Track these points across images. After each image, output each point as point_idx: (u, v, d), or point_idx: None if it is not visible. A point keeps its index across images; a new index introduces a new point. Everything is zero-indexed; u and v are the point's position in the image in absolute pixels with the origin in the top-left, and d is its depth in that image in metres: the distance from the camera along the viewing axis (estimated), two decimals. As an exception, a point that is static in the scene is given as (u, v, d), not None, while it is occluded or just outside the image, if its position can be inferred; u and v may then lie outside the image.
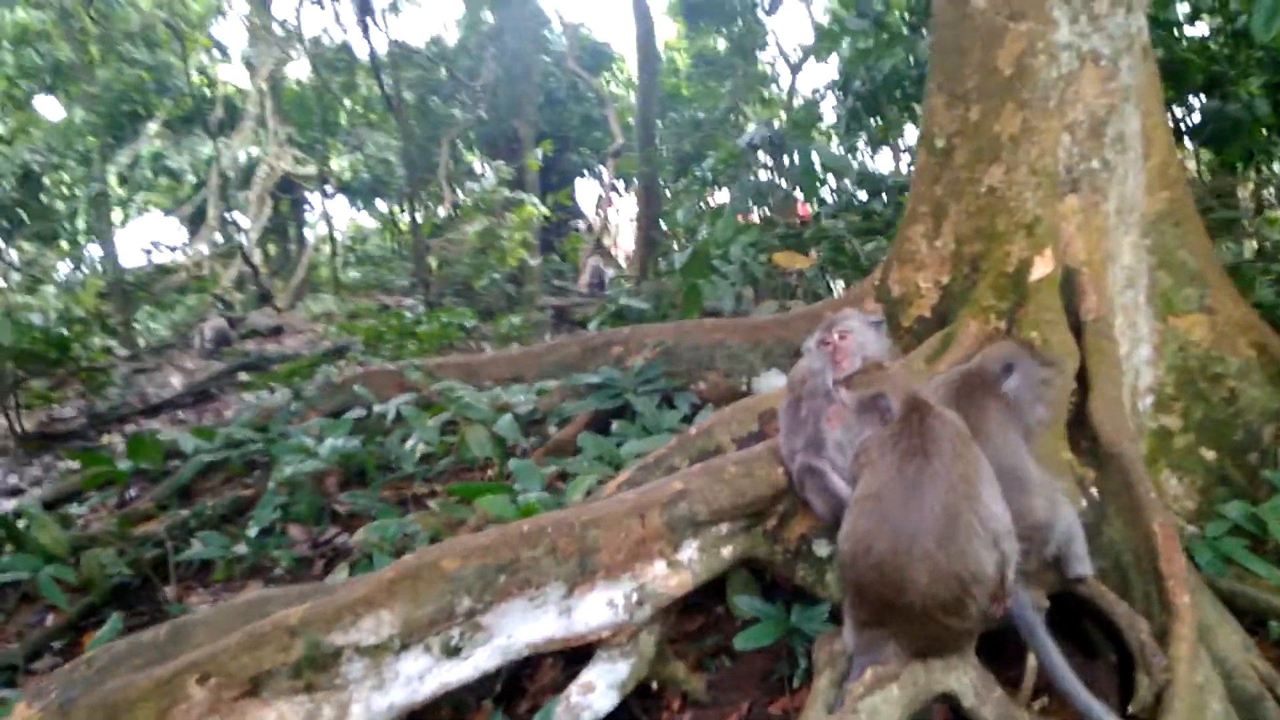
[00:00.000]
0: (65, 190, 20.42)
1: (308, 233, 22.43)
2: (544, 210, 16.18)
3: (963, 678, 2.50)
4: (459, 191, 16.87)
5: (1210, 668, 2.90)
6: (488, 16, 19.48)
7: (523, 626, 2.99)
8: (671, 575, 3.18)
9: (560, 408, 4.67)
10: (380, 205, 22.96)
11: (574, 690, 3.15)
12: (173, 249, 21.74)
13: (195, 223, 21.68)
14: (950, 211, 4.26)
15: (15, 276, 18.01)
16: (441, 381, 4.68)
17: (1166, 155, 4.40)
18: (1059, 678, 2.60)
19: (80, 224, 21.66)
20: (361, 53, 19.27)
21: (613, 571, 3.08)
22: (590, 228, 18.16)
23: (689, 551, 3.21)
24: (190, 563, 4.66)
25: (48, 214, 20.05)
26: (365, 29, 13.86)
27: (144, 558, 4.57)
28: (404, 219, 17.91)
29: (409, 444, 4.42)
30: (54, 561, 4.18)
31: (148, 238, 24.41)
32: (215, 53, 20.24)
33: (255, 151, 20.68)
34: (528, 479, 3.78)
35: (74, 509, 5.79)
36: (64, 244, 22.63)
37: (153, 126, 19.43)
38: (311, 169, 20.61)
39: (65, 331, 12.36)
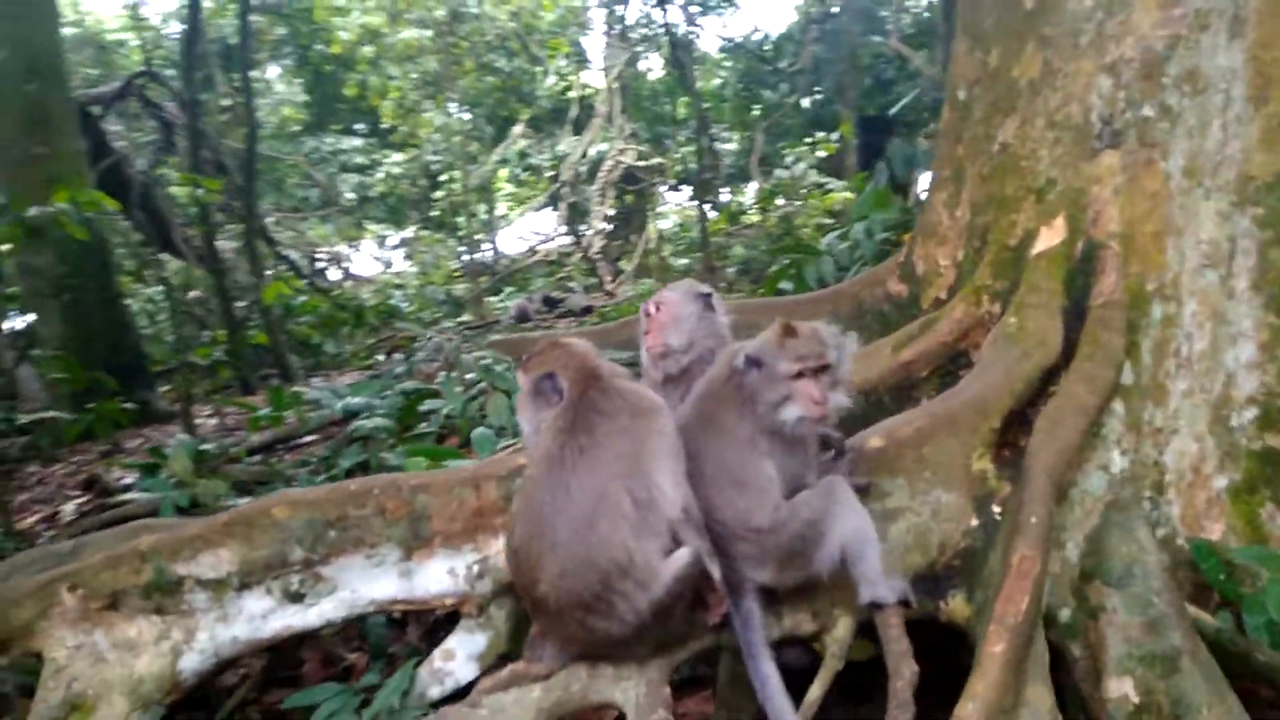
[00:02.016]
0: (456, 187, 23.57)
1: (650, 222, 23.75)
2: (848, 195, 15.70)
3: (629, 690, 2.21)
4: (769, 177, 16.93)
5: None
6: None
7: (365, 584, 3.11)
8: (517, 551, 3.13)
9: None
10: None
11: (437, 655, 3.21)
12: (544, 237, 24.34)
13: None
14: (968, 175, 3.63)
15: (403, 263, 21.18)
16: (480, 351, 4.91)
17: (1296, 97, 3.36)
18: (771, 711, 2.21)
19: (470, 216, 24.99)
20: (707, 47, 20.13)
21: (452, 540, 3.10)
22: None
23: (538, 529, 3.13)
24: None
25: (438, 206, 23.29)
26: (668, 30, 14.40)
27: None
28: (735, 204, 18.31)
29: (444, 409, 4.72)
30: (182, 488, 5.06)
31: (529, 228, 27.29)
32: (572, 56, 22.10)
33: (604, 147, 22.31)
34: (482, 447, 3.89)
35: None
36: (460, 233, 26.25)
37: (518, 128, 21.74)
38: (654, 161, 21.83)
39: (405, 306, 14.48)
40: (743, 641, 2.30)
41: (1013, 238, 3.35)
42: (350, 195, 24.00)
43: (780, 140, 19.88)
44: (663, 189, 22.69)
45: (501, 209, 25.96)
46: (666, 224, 22.23)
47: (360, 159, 24.75)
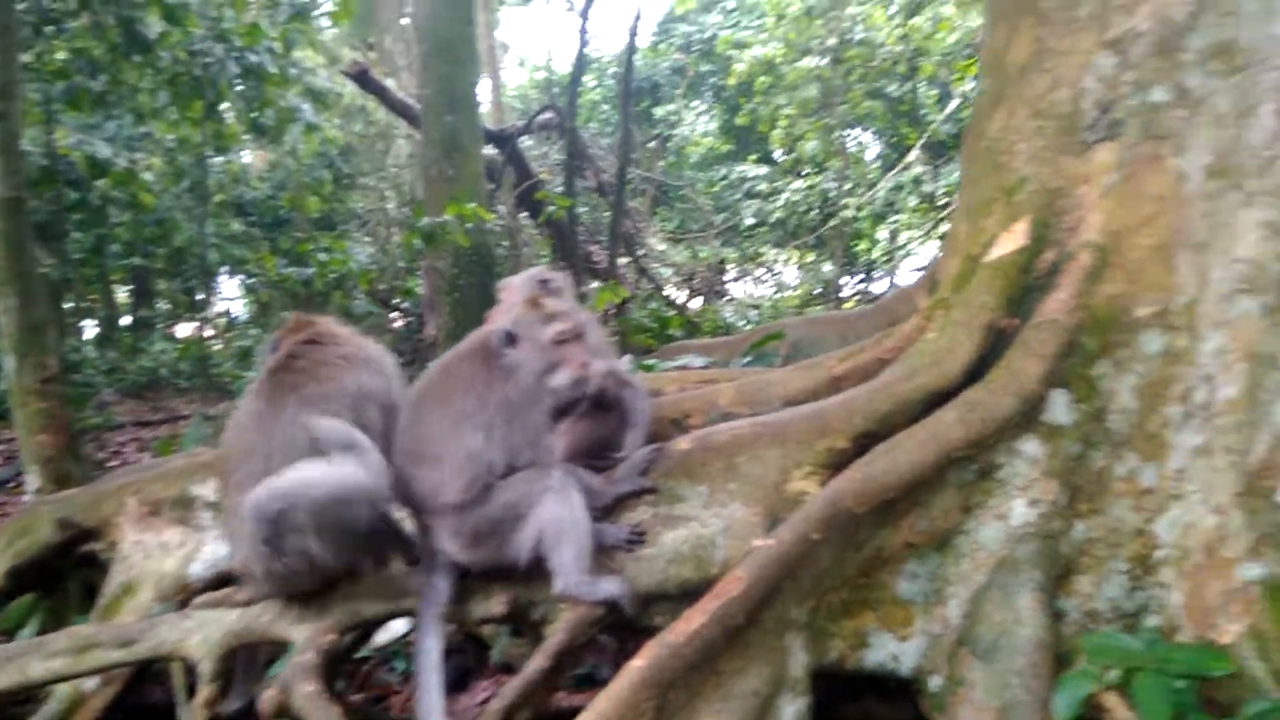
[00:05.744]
0: (855, 215, 23.51)
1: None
2: None
3: (303, 632, 2.34)
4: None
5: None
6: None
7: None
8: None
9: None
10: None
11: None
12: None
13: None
14: (969, 175, 3.14)
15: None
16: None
17: None
18: (419, 683, 2.23)
19: (871, 243, 24.76)
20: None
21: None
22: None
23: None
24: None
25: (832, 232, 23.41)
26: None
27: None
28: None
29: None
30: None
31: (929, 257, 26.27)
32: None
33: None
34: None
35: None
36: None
37: (912, 154, 21.19)
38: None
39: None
40: (417, 611, 2.34)
41: (977, 245, 2.86)
42: (750, 220, 25.00)
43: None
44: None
45: (901, 238, 25.34)
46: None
47: (764, 186, 25.69)
